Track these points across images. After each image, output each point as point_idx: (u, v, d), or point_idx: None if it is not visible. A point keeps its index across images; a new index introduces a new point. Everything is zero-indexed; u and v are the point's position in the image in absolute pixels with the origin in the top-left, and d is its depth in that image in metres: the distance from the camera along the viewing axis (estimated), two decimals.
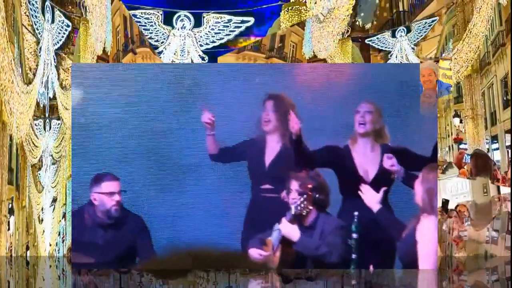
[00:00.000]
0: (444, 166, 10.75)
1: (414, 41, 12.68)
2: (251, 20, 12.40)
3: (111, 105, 4.90)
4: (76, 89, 5.12)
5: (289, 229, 3.91)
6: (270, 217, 4.08)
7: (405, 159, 4.17)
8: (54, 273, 7.33)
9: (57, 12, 11.39)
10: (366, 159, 4.23)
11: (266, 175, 4.28)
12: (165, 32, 12.43)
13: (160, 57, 12.57)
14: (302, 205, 3.92)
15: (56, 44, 11.32)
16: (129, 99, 4.94)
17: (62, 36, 11.51)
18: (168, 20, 12.41)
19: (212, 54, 12.39)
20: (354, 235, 3.96)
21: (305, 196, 3.92)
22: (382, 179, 4.14)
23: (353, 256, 4.00)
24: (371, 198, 3.91)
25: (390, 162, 4.09)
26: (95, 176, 4.31)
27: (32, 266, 8.79)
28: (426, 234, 3.79)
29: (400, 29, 13.00)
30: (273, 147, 4.35)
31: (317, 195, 3.98)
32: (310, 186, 3.94)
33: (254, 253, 3.98)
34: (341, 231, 3.98)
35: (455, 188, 9.73)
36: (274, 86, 4.63)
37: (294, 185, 3.98)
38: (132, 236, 4.21)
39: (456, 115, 12.60)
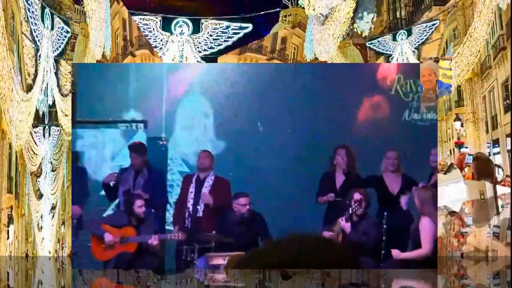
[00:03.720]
0: (446, 168, 10.71)
1: (415, 44, 12.58)
2: (249, 26, 12.37)
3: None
4: None
5: (345, 226, 6.41)
6: (338, 215, 6.58)
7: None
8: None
9: (56, 19, 11.41)
10: (393, 182, 6.87)
11: (337, 192, 6.91)
12: (164, 38, 12.44)
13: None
14: (356, 208, 6.39)
15: (55, 50, 11.34)
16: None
17: (62, 43, 11.53)
18: (166, 26, 12.42)
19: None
20: (385, 226, 6.31)
21: (357, 203, 6.41)
22: (401, 193, 6.77)
23: (384, 238, 6.28)
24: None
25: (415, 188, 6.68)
26: (235, 193, 6.72)
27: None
28: (424, 227, 6.22)
29: (401, 32, 12.90)
30: (340, 177, 6.99)
31: (363, 203, 6.44)
32: (361, 197, 6.44)
33: (326, 234, 6.28)
34: (376, 225, 6.40)
35: (454, 194, 9.73)
36: None
37: (354, 197, 6.47)
38: (255, 228, 6.64)
39: (457, 118, 12.50)
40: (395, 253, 6.21)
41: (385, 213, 6.42)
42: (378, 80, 7.49)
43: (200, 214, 6.72)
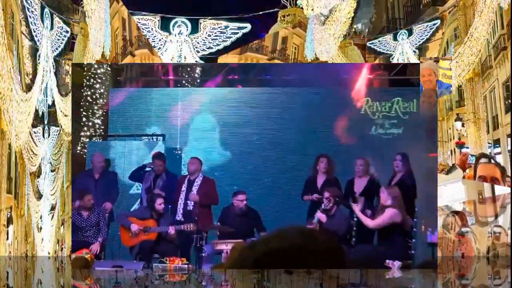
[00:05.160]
0: (448, 169, 10.70)
1: (416, 44, 12.52)
2: (248, 26, 12.35)
3: None
4: None
5: (321, 217, 7.69)
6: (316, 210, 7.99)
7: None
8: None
9: (56, 19, 11.39)
10: (360, 183, 8.26)
11: (318, 191, 8.25)
12: (162, 38, 12.41)
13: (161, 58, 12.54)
14: (327, 203, 7.67)
15: (55, 50, 11.31)
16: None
17: (61, 42, 11.51)
18: (165, 26, 12.41)
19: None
20: (355, 218, 7.60)
21: (327, 199, 7.70)
22: (365, 193, 8.15)
23: (354, 228, 7.58)
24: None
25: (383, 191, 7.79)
26: (234, 191, 8.18)
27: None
28: (390, 214, 7.39)
29: (401, 32, 12.84)
30: (321, 179, 8.36)
31: (336, 199, 7.73)
32: (330, 194, 7.73)
33: (309, 225, 7.36)
34: (348, 218, 7.74)
35: (453, 194, 9.74)
36: None
37: (325, 194, 7.80)
38: (251, 221, 7.99)
39: (458, 118, 12.45)
40: (367, 221, 7.51)
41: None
42: (351, 102, 9.22)
43: (190, 208, 8.14)
